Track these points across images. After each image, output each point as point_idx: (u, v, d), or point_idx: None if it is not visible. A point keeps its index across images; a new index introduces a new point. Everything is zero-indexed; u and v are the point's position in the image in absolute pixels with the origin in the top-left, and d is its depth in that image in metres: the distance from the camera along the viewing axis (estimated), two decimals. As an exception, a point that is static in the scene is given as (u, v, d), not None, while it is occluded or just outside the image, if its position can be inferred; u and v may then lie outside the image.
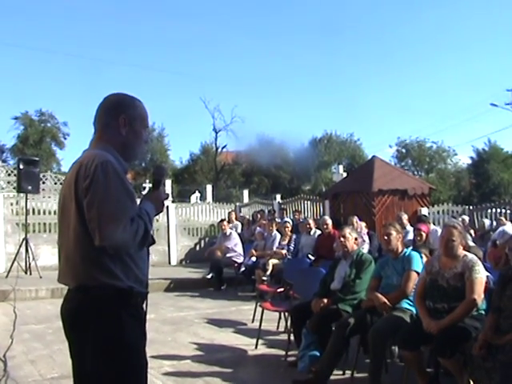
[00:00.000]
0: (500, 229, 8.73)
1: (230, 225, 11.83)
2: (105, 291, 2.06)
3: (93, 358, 2.06)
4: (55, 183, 14.93)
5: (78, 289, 2.11)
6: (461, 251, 4.01)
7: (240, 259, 10.32)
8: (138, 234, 2.05)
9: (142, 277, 2.20)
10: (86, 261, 2.07)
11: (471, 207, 12.92)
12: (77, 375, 2.19)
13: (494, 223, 10.61)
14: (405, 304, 4.41)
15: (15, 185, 11.70)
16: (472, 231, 10.04)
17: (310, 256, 8.71)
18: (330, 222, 9.05)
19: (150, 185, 2.45)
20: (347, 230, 5.20)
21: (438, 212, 12.72)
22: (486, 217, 11.47)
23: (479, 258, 4.35)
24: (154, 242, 2.20)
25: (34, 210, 12.54)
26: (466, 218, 10.87)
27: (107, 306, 2.06)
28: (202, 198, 27.88)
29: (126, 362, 2.07)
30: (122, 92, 2.36)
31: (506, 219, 10.43)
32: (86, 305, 2.07)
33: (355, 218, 9.21)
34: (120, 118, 2.24)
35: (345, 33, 65.24)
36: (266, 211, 13.89)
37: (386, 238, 4.67)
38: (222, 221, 11.44)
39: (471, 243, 6.10)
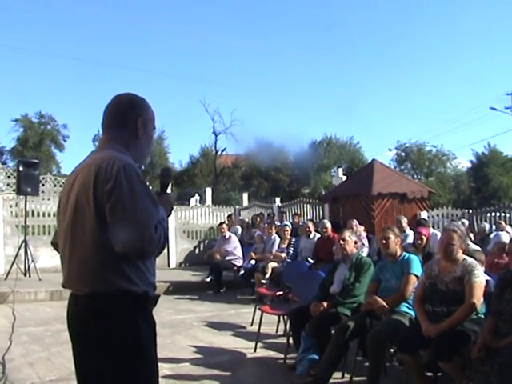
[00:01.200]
0: (494, 233, 8.76)
1: (230, 228, 11.82)
2: (122, 297, 2.00)
3: (107, 362, 1.99)
4: (55, 185, 14.87)
5: (92, 294, 2.01)
6: (460, 255, 4.00)
7: (239, 262, 10.32)
8: (160, 240, 1.98)
9: (153, 280, 2.14)
10: (104, 266, 1.99)
11: (471, 211, 12.92)
12: (82, 377, 2.11)
13: (494, 227, 10.61)
14: (404, 307, 4.41)
15: (15, 187, 11.69)
16: (471, 235, 10.04)
17: (309, 259, 8.71)
18: (329, 225, 9.05)
19: (155, 188, 2.40)
20: (347, 234, 5.20)
21: (438, 216, 12.71)
22: (486, 220, 11.48)
23: (482, 263, 4.33)
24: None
25: (33, 212, 12.53)
26: (466, 222, 10.87)
27: (125, 311, 2.00)
28: (202, 200, 27.88)
29: (141, 367, 2.02)
30: (131, 92, 2.29)
31: (506, 223, 10.44)
32: (103, 309, 1.99)
33: (354, 222, 9.22)
34: (138, 121, 2.19)
35: (345, 38, 65.45)
36: (266, 214, 13.88)
37: (384, 241, 4.67)
38: (222, 224, 11.43)
39: (475, 247, 6.04)
